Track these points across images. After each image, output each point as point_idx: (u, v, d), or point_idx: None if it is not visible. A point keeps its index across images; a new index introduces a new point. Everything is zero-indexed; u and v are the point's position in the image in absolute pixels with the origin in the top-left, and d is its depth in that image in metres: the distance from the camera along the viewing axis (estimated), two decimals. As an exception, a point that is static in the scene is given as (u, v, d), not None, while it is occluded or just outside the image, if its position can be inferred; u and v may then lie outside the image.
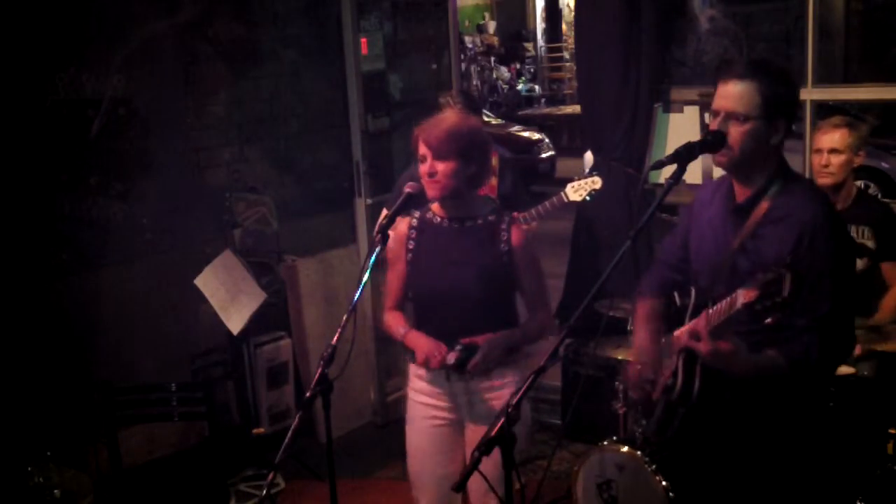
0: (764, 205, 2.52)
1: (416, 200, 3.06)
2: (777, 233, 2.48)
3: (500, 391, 3.02)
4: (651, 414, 2.84)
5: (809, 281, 2.32)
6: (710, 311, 2.43)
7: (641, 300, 2.96)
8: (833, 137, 3.69)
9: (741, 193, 2.59)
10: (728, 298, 2.34)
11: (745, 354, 2.41)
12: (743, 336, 2.42)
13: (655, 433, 2.81)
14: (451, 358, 2.92)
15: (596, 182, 4.29)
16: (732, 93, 2.48)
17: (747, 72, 2.48)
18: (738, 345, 2.39)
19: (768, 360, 2.43)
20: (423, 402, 3.15)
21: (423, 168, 2.96)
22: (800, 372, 2.46)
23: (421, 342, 3.01)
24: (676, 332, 2.71)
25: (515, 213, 3.24)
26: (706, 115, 2.61)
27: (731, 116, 2.48)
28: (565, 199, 4.31)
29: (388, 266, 3.19)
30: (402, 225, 3.10)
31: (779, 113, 2.49)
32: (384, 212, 4.41)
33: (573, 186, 4.31)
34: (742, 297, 2.23)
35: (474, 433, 3.04)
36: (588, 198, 4.27)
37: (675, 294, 2.84)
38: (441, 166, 2.92)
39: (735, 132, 2.47)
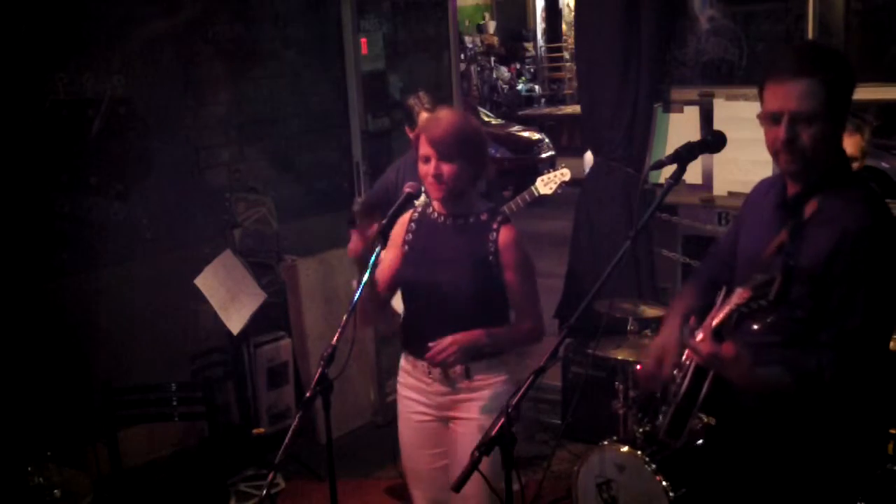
0: (812, 205, 2.32)
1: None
2: (818, 236, 2.26)
3: (482, 392, 3.00)
4: (653, 412, 2.78)
5: (841, 291, 2.20)
6: (717, 308, 2.24)
7: (683, 292, 2.79)
8: (848, 143, 3.68)
9: (792, 188, 2.39)
10: (731, 296, 2.16)
11: (747, 364, 2.16)
12: (755, 347, 2.20)
13: (666, 433, 2.63)
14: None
15: (565, 174, 4.29)
16: (795, 92, 2.23)
17: (806, 66, 2.24)
18: (741, 351, 2.15)
19: (772, 377, 2.21)
20: (408, 396, 3.15)
21: (427, 169, 2.92)
22: (809, 390, 2.23)
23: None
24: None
25: None
26: (767, 119, 2.35)
27: (795, 118, 2.24)
28: (536, 194, 4.30)
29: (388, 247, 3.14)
30: (405, 216, 3.10)
31: (846, 106, 2.29)
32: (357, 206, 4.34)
33: (543, 180, 4.31)
34: (737, 297, 2.08)
35: (461, 430, 3.04)
36: (559, 190, 4.27)
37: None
38: (447, 168, 2.90)
39: (805, 134, 2.25)
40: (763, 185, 2.60)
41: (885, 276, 2.22)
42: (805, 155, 2.26)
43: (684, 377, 2.50)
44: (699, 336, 2.21)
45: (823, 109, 2.23)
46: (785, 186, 2.42)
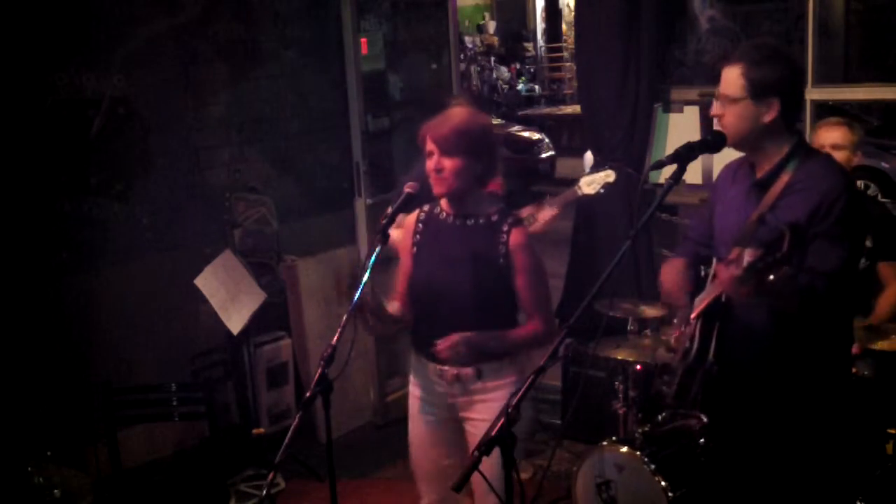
0: (784, 178, 2.60)
1: (418, 199, 3.06)
2: (796, 202, 2.53)
3: (495, 392, 3.00)
4: (671, 379, 2.94)
5: (821, 243, 2.44)
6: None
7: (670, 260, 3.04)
8: (835, 134, 3.76)
9: (760, 170, 2.67)
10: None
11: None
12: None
13: (675, 396, 2.92)
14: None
15: (609, 175, 4.25)
16: (724, 77, 2.63)
17: (735, 56, 2.62)
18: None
19: (778, 283, 2.30)
20: (418, 396, 3.16)
21: (430, 164, 2.93)
22: (808, 305, 2.49)
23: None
24: (697, 298, 2.78)
25: (530, 208, 3.21)
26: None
27: (723, 99, 2.63)
28: (579, 193, 4.28)
29: (400, 257, 3.19)
30: (411, 217, 3.11)
31: (767, 93, 2.56)
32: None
33: (586, 180, 4.27)
34: (747, 255, 2.24)
35: (474, 431, 3.03)
36: (602, 190, 4.26)
37: (702, 267, 2.93)
38: (448, 163, 2.90)
39: (727, 113, 2.62)
40: (729, 170, 2.85)
41: (857, 232, 2.58)
42: (725, 128, 2.62)
43: (692, 340, 2.73)
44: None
45: (742, 94, 2.56)
46: (753, 168, 2.70)
